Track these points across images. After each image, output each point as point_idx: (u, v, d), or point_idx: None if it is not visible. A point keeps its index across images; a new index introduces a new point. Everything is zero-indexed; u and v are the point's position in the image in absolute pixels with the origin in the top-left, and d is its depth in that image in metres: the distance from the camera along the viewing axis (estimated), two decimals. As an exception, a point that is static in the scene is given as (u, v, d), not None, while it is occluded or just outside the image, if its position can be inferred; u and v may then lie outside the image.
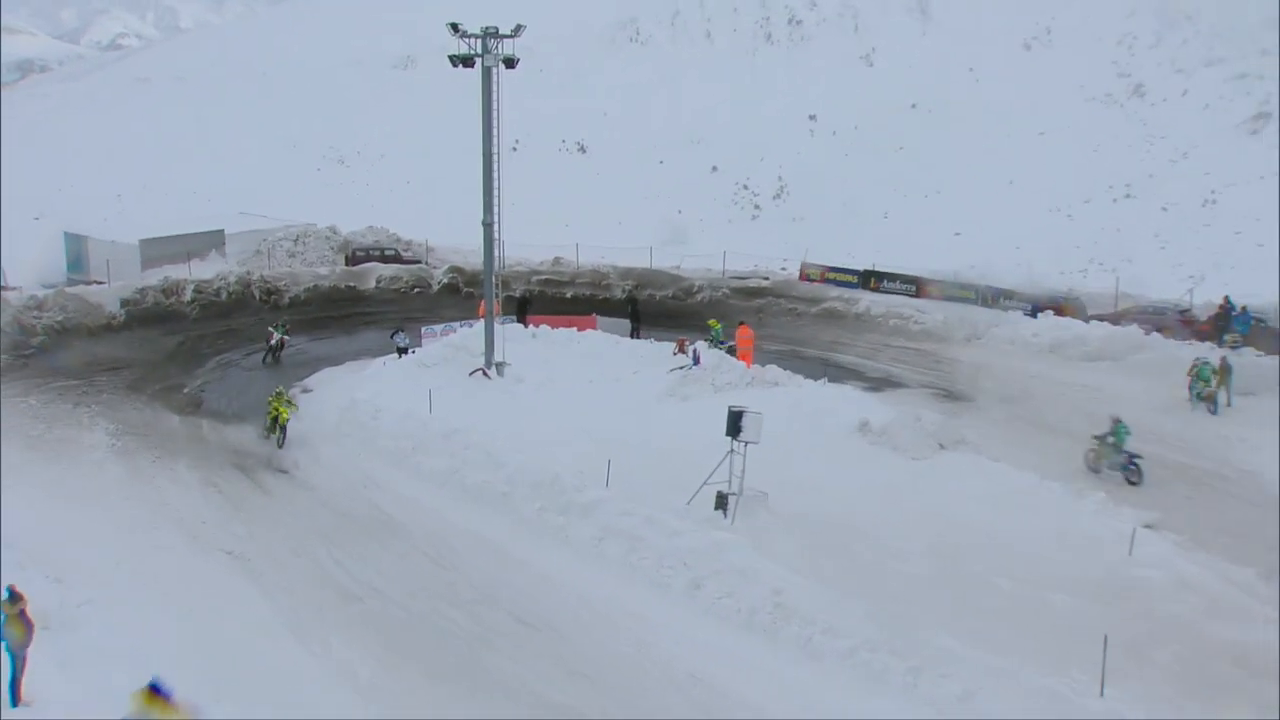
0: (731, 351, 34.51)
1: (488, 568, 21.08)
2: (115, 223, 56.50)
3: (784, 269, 49.48)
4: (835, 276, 47.35)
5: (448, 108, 77.05)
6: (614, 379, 32.74)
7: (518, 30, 30.69)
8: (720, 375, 31.56)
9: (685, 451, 23.98)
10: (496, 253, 33.66)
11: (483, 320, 33.68)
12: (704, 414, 25.45)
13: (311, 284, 46.37)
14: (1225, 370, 30.43)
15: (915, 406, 30.05)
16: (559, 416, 28.61)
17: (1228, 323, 35.32)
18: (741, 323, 36.52)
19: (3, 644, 14.72)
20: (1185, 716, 15.62)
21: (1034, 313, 39.69)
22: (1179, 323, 37.29)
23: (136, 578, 19.84)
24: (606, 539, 21.49)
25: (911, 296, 44.09)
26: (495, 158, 31.63)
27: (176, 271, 44.87)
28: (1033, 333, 37.91)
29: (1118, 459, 25.68)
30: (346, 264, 50.97)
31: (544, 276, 48.88)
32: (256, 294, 44.50)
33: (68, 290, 41.37)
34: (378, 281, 47.86)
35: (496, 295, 33.63)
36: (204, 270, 46.14)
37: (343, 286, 47.12)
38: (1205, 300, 39.19)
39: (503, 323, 34.67)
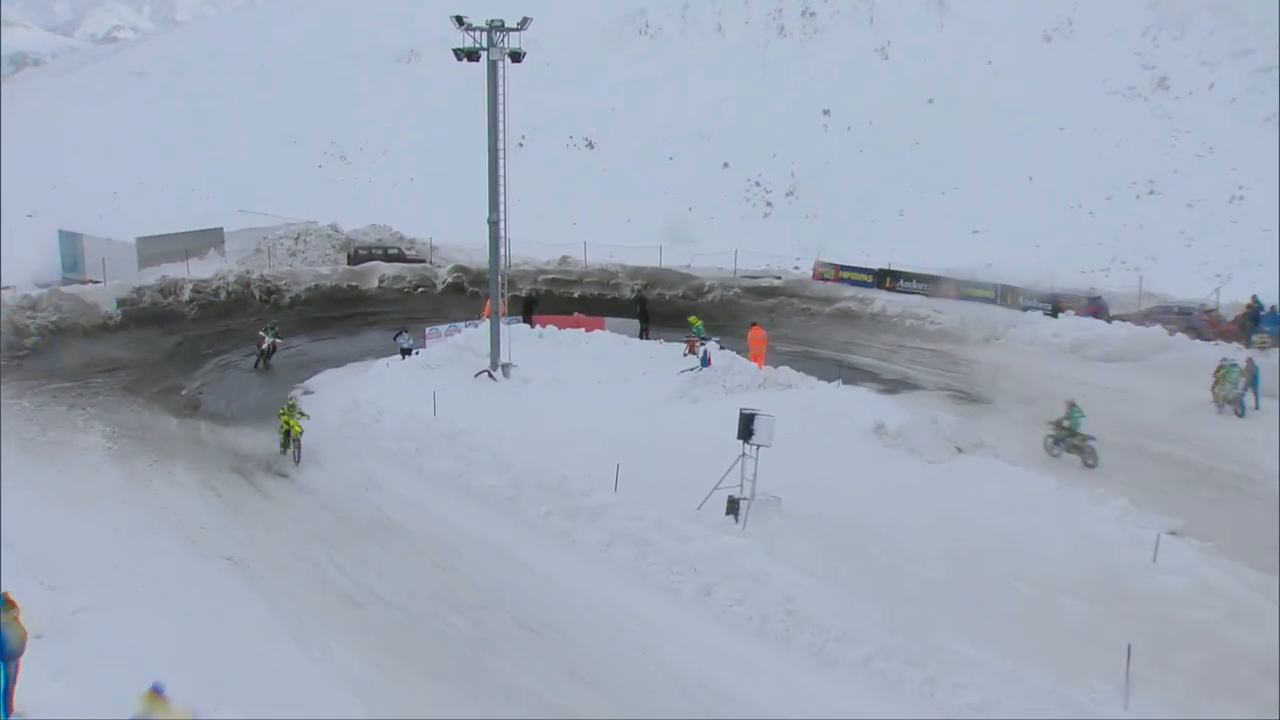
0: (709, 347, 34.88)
1: (492, 572, 21.16)
2: (111, 220, 56.67)
3: (797, 268, 49.47)
4: (849, 275, 47.33)
5: (452, 102, 77.15)
6: (623, 380, 32.82)
7: (524, 23, 30.78)
8: (731, 377, 31.62)
9: (696, 454, 24.03)
10: (502, 251, 33.74)
11: (488, 320, 33.78)
12: (715, 416, 25.47)
13: (313, 283, 46.47)
14: (1252, 372, 30.39)
15: (932, 409, 30.08)
16: (566, 418, 28.68)
17: (1255, 323, 35.25)
18: (754, 323, 36.54)
19: (-2, 651, 14.76)
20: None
21: (1054, 312, 39.70)
22: (1204, 323, 37.23)
23: (133, 583, 19.93)
24: (615, 544, 21.55)
25: (928, 296, 44.07)
26: (501, 154, 31.72)
27: (174, 270, 44.95)
28: (1053, 333, 37.90)
29: (1073, 441, 26.85)
30: (348, 263, 51.08)
31: (551, 276, 48.91)
32: (256, 294, 44.59)
33: (63, 290, 41.42)
34: (380, 281, 47.94)
35: (502, 295, 33.69)
36: (202, 269, 46.23)
37: (345, 286, 47.21)
38: (1232, 300, 39.10)
39: (509, 323, 34.74)
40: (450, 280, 48.27)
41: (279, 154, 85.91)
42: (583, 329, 37.85)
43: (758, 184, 77.62)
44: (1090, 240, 59.27)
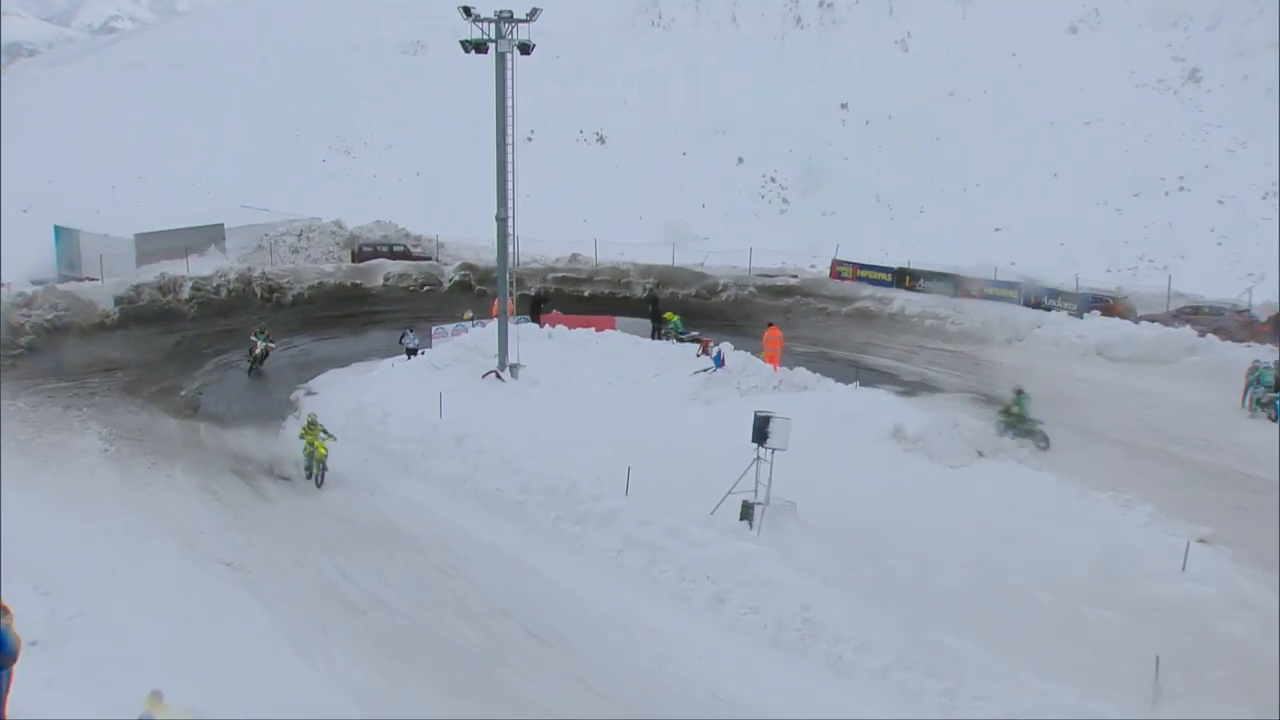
0: (694, 340, 35.76)
1: (500, 579, 21.15)
2: (109, 216, 57.09)
3: (813, 266, 49.50)
4: (868, 274, 47.34)
5: (459, 96, 77.33)
6: (634, 381, 32.86)
7: (533, 14, 30.81)
8: (746, 378, 31.63)
9: (709, 458, 24.00)
10: (511, 249, 33.76)
11: (496, 320, 33.83)
12: (729, 419, 25.47)
13: (316, 281, 46.60)
14: (1286, 374, 30.27)
15: (952, 412, 30.04)
16: (576, 420, 28.66)
17: (1289, 324, 35.19)
18: (770, 323, 36.53)
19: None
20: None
21: (1080, 313, 39.63)
22: (1237, 323, 37.11)
23: (130, 589, 19.88)
24: (626, 550, 21.54)
25: (949, 296, 44.00)
26: (509, 148, 31.73)
27: (174, 268, 45.14)
28: (1078, 334, 37.82)
29: (1024, 428, 27.72)
30: (353, 260, 51.28)
31: (560, 274, 48.99)
32: (258, 292, 44.72)
33: (59, 287, 41.52)
34: (385, 279, 48.05)
35: (511, 293, 33.73)
36: (203, 266, 46.43)
37: (349, 284, 47.33)
38: (1265, 300, 39.05)
39: (517, 322, 34.80)
40: (457, 278, 48.36)
41: (281, 148, 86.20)
42: (593, 329, 37.87)
43: (773, 180, 77.66)
44: (1117, 238, 59.27)
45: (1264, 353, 32.68)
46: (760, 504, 22.12)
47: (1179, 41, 78.29)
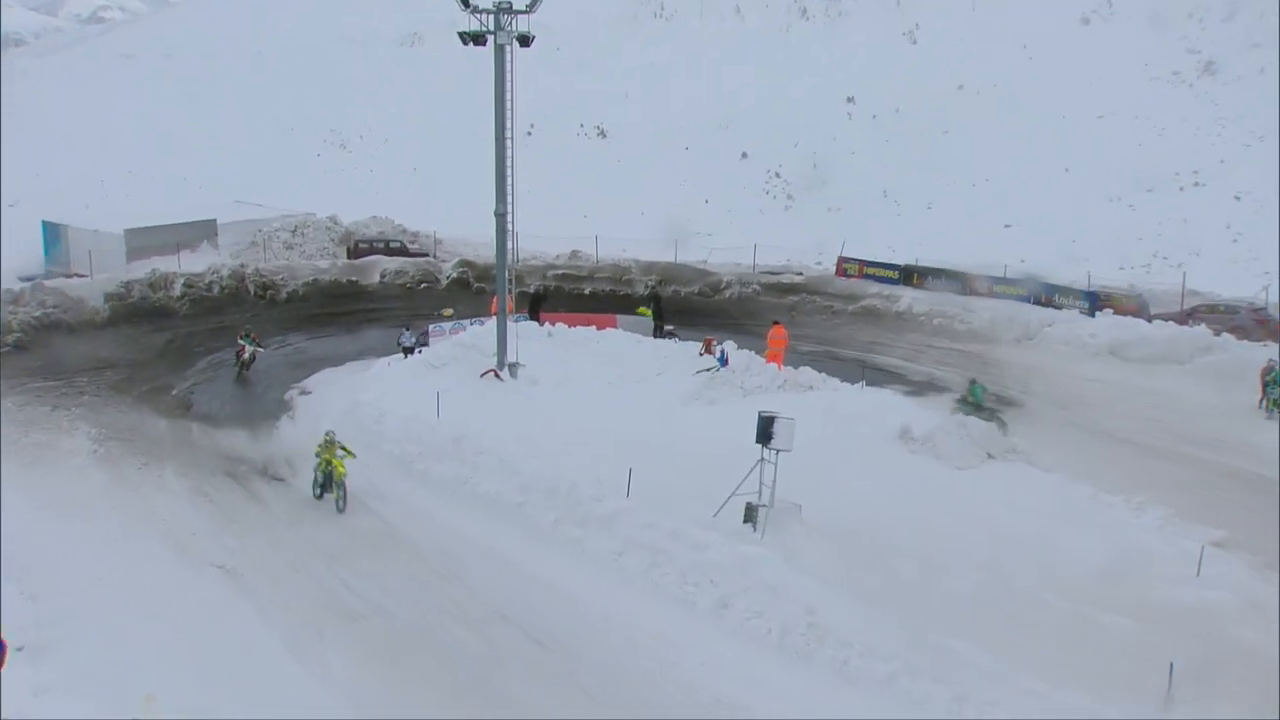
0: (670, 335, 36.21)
1: (499, 583, 21.15)
2: (98, 211, 56.97)
3: (819, 263, 49.55)
4: (874, 272, 47.37)
5: (457, 89, 77.42)
6: (635, 381, 32.91)
7: (533, 5, 30.82)
8: (750, 378, 31.68)
9: (712, 459, 23.99)
10: (510, 245, 33.78)
11: (495, 318, 33.86)
12: (732, 419, 25.47)
13: (310, 278, 46.68)
14: (1304, 374, 30.31)
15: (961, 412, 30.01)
16: (576, 421, 28.68)
17: (1308, 323, 35.21)
18: (776, 321, 36.54)
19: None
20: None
21: (1091, 310, 39.66)
22: (1253, 322, 37.12)
23: (120, 593, 19.87)
24: (627, 553, 21.55)
25: (957, 294, 44.02)
26: (508, 143, 31.74)
27: (165, 264, 45.22)
28: (1090, 333, 37.84)
29: (981, 416, 28.49)
30: (348, 257, 51.38)
31: (561, 271, 49.07)
32: (251, 289, 44.80)
33: (46, 283, 41.66)
34: (382, 276, 48.13)
35: (510, 291, 33.76)
36: (195, 263, 46.54)
37: (344, 281, 47.42)
38: (1282, 298, 39.06)
39: (516, 320, 34.83)
40: (455, 275, 48.44)
41: (275, 142, 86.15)
42: (594, 327, 37.90)
43: (778, 175, 77.59)
44: (1130, 235, 59.15)
45: (1280, 352, 32.77)
46: (764, 506, 22.12)
47: (1194, 33, 78.21)
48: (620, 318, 40.48)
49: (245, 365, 35.84)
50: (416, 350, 36.06)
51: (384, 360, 35.41)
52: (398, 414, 28.70)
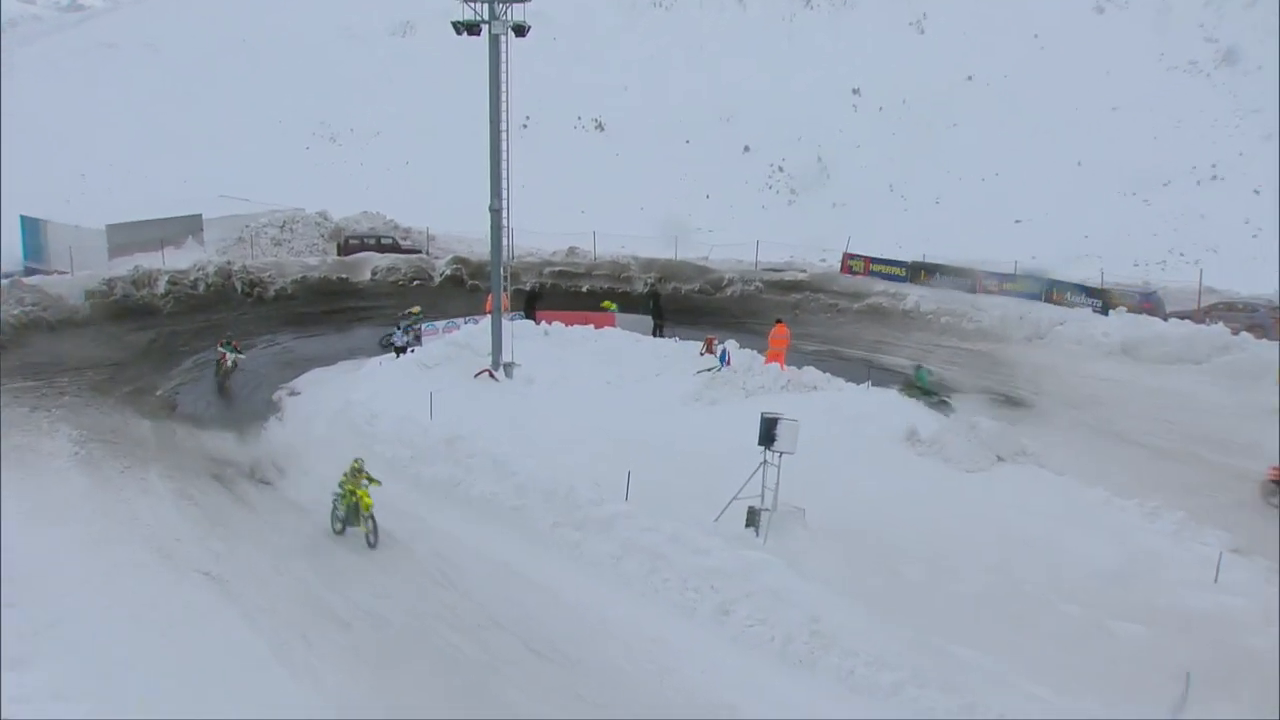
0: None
1: (494, 588, 21.17)
2: (79, 205, 56.83)
3: (823, 260, 49.57)
4: (881, 269, 47.40)
5: (450, 80, 77.16)
6: (634, 381, 32.95)
7: (528, -8, 30.90)
8: (752, 378, 31.74)
9: (713, 461, 24.07)
10: (505, 241, 33.81)
11: (489, 316, 33.88)
12: (734, 420, 25.57)
13: (299, 275, 46.65)
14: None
15: (969, 413, 30.05)
16: (573, 422, 28.74)
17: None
18: (778, 320, 36.58)
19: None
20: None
21: (1105, 310, 39.71)
22: (1272, 321, 37.12)
23: (101, 600, 19.88)
24: (626, 557, 21.59)
25: (966, 291, 44.05)
26: (503, 136, 31.77)
27: (149, 260, 45.15)
28: (1103, 332, 37.85)
29: (929, 400, 30.55)
30: (338, 253, 51.34)
31: (557, 268, 49.08)
32: (238, 286, 44.76)
33: (25, 281, 41.51)
34: (373, 273, 48.10)
35: (505, 288, 33.78)
36: (179, 259, 46.43)
37: (334, 278, 47.38)
38: (1304, 295, 39.06)
39: (512, 319, 34.86)
40: (448, 273, 48.41)
41: (263, 134, 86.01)
42: (591, 325, 37.95)
43: (781, 169, 77.62)
44: (1145, 230, 59.24)
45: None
46: (767, 510, 22.20)
47: (1212, 21, 78.17)
48: (618, 316, 40.55)
49: (227, 375, 35.10)
50: (409, 350, 36.09)
51: (375, 360, 35.44)
52: (390, 415, 28.73)
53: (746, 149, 79.52)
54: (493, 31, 30.98)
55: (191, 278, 44.03)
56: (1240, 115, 70.47)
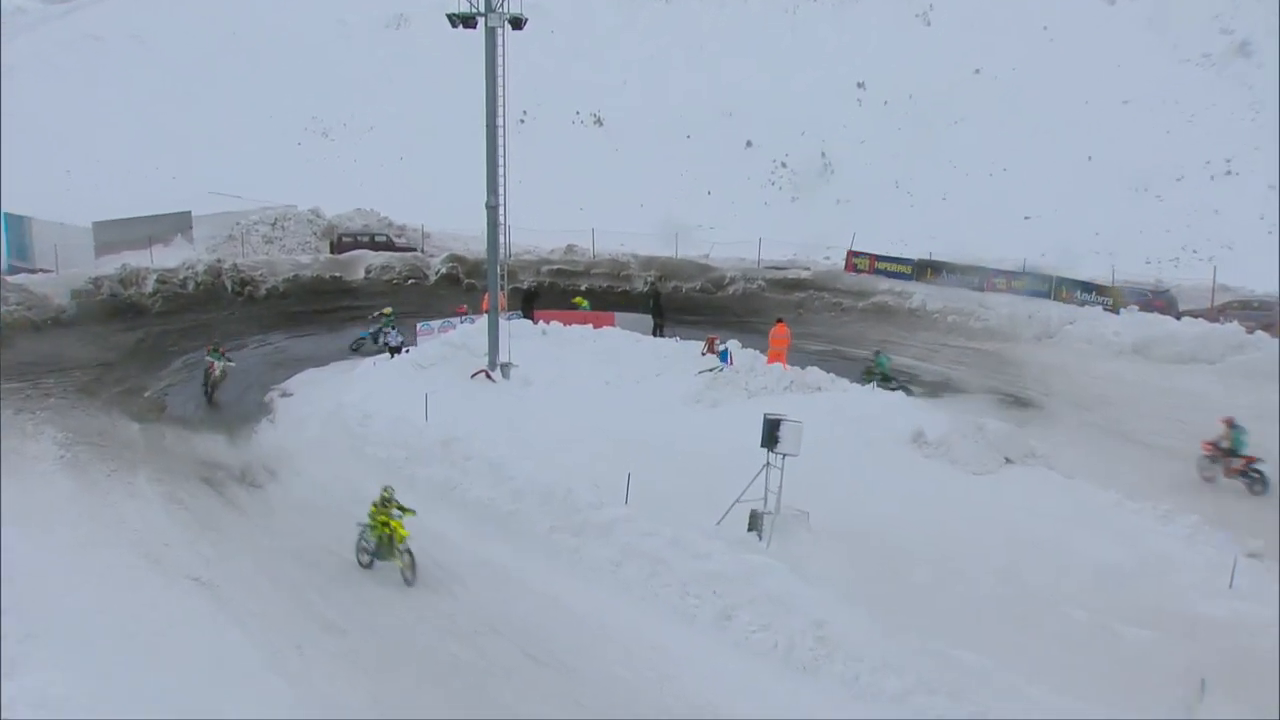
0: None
1: (491, 594, 21.19)
2: (64, 202, 56.63)
3: (827, 258, 49.63)
4: (886, 266, 47.47)
5: (446, 74, 77.17)
6: (634, 381, 32.94)
7: (526, -16, 30.90)
8: (755, 378, 31.72)
9: (714, 464, 24.08)
10: (502, 239, 33.80)
11: (486, 315, 33.88)
12: (736, 421, 25.58)
13: (291, 274, 46.70)
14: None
15: (977, 414, 29.97)
16: (572, 423, 28.72)
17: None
18: (779, 319, 36.60)
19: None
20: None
21: (1116, 309, 39.73)
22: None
23: (88, 606, 19.85)
24: (626, 562, 21.59)
25: (973, 289, 44.06)
26: (500, 131, 31.73)
27: (136, 259, 45.20)
28: (1114, 330, 37.85)
29: (889, 386, 32.24)
30: (331, 251, 51.37)
31: (555, 266, 49.15)
32: (229, 285, 44.81)
33: (9, 279, 41.58)
34: (367, 271, 48.16)
35: (502, 287, 33.77)
36: (168, 258, 46.46)
37: (327, 277, 47.44)
38: (1321, 293, 39.01)
39: (508, 318, 34.85)
40: (444, 271, 48.48)
41: (253, 130, 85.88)
42: (590, 325, 37.95)
43: (784, 165, 77.54)
44: (1158, 227, 59.09)
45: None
46: (770, 513, 22.19)
47: (1226, 12, 77.92)
48: (618, 315, 40.56)
49: (216, 385, 33.87)
50: (404, 349, 36.10)
51: (369, 360, 35.48)
52: (384, 416, 28.74)
53: (749, 144, 79.43)
54: (489, 24, 30.93)
55: (180, 276, 44.07)
56: (1255, 109, 70.26)
